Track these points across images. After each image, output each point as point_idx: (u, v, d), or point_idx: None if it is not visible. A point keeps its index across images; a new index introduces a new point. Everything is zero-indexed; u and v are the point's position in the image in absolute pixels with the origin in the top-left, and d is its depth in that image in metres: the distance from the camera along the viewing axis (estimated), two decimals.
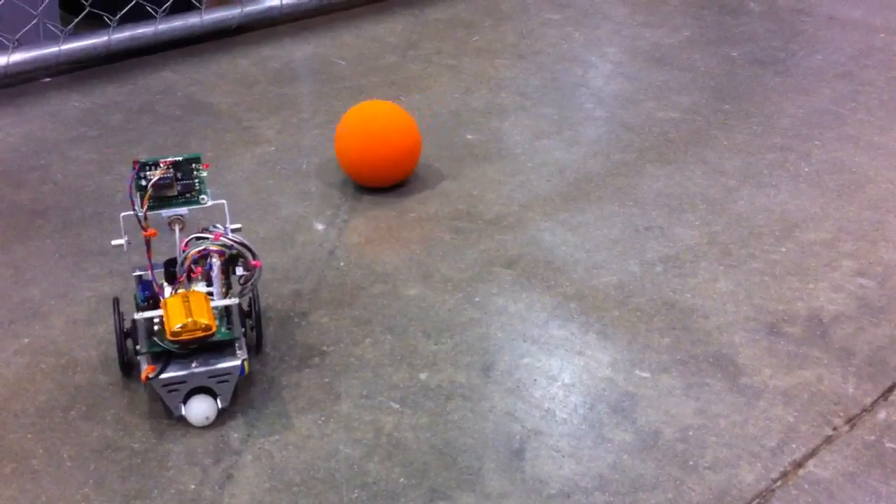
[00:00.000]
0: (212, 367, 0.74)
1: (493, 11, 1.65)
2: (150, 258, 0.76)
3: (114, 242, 0.77)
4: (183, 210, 0.78)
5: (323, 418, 0.77)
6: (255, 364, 0.82)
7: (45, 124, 1.23)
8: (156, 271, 0.78)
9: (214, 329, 0.72)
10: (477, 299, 0.91)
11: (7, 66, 1.31)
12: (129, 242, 0.77)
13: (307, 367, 0.82)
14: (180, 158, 0.77)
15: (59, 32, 1.35)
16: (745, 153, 1.18)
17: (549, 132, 1.23)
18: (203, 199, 0.78)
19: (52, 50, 1.34)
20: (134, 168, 0.76)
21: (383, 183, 1.09)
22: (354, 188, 1.10)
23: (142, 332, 0.74)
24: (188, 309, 0.72)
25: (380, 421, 0.77)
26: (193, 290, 0.74)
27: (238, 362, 0.75)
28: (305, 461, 0.73)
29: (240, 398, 0.78)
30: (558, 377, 0.81)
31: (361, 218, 1.05)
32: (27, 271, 0.94)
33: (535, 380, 0.81)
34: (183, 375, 0.74)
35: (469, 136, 1.22)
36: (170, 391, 0.74)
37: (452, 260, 0.97)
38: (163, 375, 0.73)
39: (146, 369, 0.73)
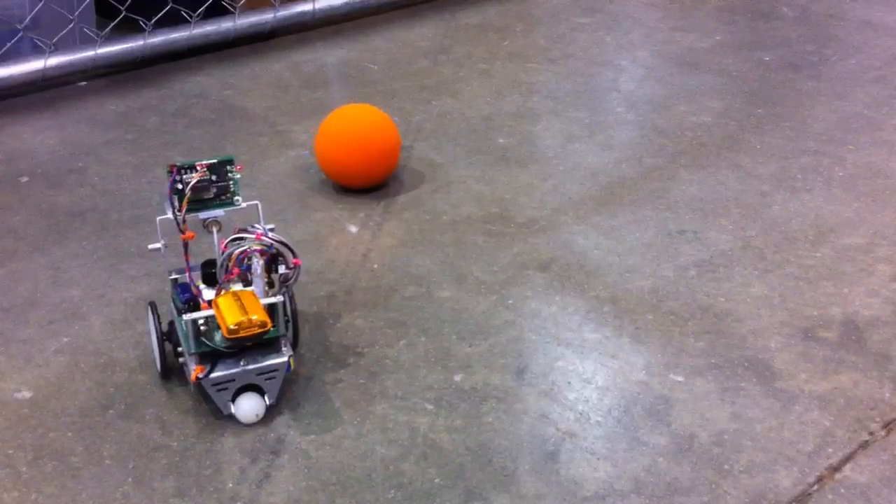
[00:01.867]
0: (260, 365, 0.75)
1: (525, 16, 1.66)
2: (187, 260, 0.77)
3: (151, 246, 0.78)
4: (219, 212, 0.79)
5: (358, 419, 0.77)
6: None
7: (82, 127, 1.25)
8: (193, 273, 0.78)
9: (270, 326, 0.73)
10: (510, 302, 0.91)
11: (44, 69, 1.33)
12: (165, 246, 0.78)
13: (342, 368, 0.83)
14: (215, 161, 0.78)
15: (95, 37, 1.37)
16: (779, 157, 1.18)
17: (582, 136, 1.23)
18: (237, 200, 0.79)
19: (88, 54, 1.36)
20: (171, 171, 0.77)
21: (363, 182, 1.09)
22: (389, 191, 1.10)
23: (190, 333, 0.74)
24: (242, 307, 0.73)
25: (415, 422, 0.77)
26: (242, 290, 0.75)
27: (285, 359, 0.76)
28: (341, 461, 0.73)
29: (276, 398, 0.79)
30: (592, 380, 0.81)
31: (394, 220, 1.05)
32: (66, 272, 0.96)
33: (569, 382, 0.81)
34: (232, 374, 0.75)
35: (501, 140, 1.22)
36: (219, 390, 0.75)
37: (486, 263, 0.98)
38: (213, 375, 0.74)
39: (195, 369, 0.74)
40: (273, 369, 0.76)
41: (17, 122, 1.25)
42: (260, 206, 0.81)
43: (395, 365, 0.83)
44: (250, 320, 0.72)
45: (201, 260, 0.80)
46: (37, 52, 1.34)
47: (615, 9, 1.68)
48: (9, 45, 1.32)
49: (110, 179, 1.12)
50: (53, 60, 1.33)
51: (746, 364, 0.83)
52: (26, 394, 0.80)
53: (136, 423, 0.77)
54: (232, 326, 0.71)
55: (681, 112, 1.30)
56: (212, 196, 0.78)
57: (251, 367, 0.75)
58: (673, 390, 0.80)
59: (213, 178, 0.78)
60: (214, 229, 0.79)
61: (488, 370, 0.83)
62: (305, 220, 1.05)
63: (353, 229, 1.04)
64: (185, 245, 0.76)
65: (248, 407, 0.76)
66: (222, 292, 0.75)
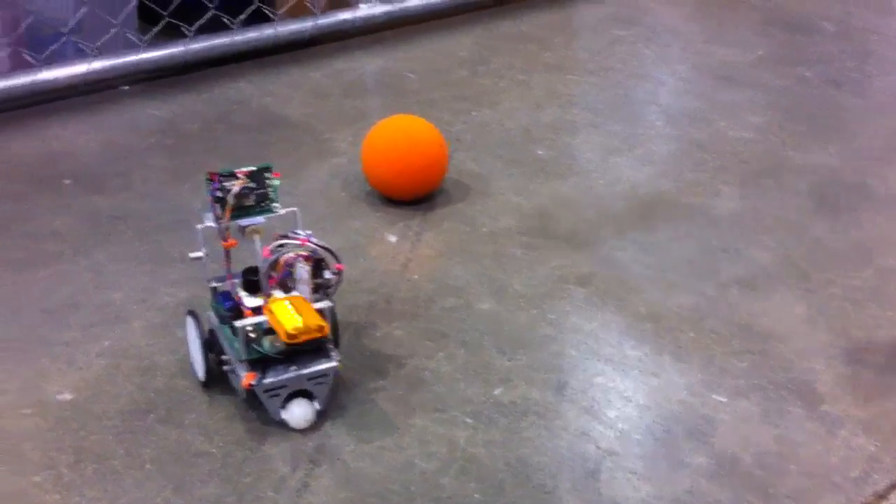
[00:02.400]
0: (311, 370, 0.75)
1: (563, 27, 1.65)
2: (229, 268, 0.77)
3: (192, 255, 0.78)
4: (260, 219, 0.79)
5: (397, 431, 0.77)
6: None
7: (124, 132, 1.26)
8: (234, 281, 0.78)
9: (328, 331, 0.73)
10: (551, 316, 0.91)
11: (87, 73, 1.34)
12: (206, 255, 0.78)
13: (382, 379, 0.83)
14: (254, 168, 0.78)
15: (138, 42, 1.38)
16: (821, 175, 1.16)
17: (621, 149, 1.23)
18: (276, 207, 0.79)
19: (131, 59, 1.37)
20: (213, 180, 0.77)
21: (409, 195, 1.09)
22: (426, 200, 1.10)
23: (242, 340, 0.75)
24: (297, 313, 0.73)
25: (454, 435, 0.77)
26: (292, 295, 0.75)
27: (334, 363, 0.76)
28: (380, 473, 0.73)
29: None
30: (633, 398, 0.81)
31: (433, 231, 1.05)
32: (108, 275, 0.96)
33: (609, 400, 0.81)
34: (284, 379, 0.75)
35: (540, 152, 1.22)
36: (271, 396, 0.75)
37: (525, 275, 0.97)
38: (265, 381, 0.74)
39: (247, 376, 0.74)
40: (323, 374, 0.76)
41: (61, 125, 1.26)
42: (298, 213, 0.81)
43: (434, 377, 0.83)
44: (308, 326, 0.71)
45: (240, 267, 0.80)
46: (80, 55, 1.35)
47: (654, 21, 1.67)
48: (53, 48, 1.33)
49: (152, 184, 1.13)
50: (97, 64, 1.34)
51: (790, 386, 0.82)
52: (68, 396, 0.80)
53: (177, 429, 0.77)
54: (291, 332, 0.71)
55: (721, 127, 1.29)
56: (252, 203, 0.78)
57: (303, 371, 0.75)
58: (715, 411, 0.79)
59: (253, 185, 0.78)
60: (256, 237, 0.78)
61: (528, 385, 0.82)
62: (344, 228, 1.05)
63: (392, 239, 1.04)
64: (227, 253, 0.76)
65: (300, 413, 0.76)
66: (271, 298, 0.75)
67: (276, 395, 0.75)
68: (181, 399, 0.80)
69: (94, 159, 1.18)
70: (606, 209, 1.09)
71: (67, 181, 1.13)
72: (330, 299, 0.78)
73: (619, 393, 0.81)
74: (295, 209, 0.81)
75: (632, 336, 0.88)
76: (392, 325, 0.90)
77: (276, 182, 0.79)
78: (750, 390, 0.81)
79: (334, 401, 0.79)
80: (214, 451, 0.75)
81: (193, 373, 0.82)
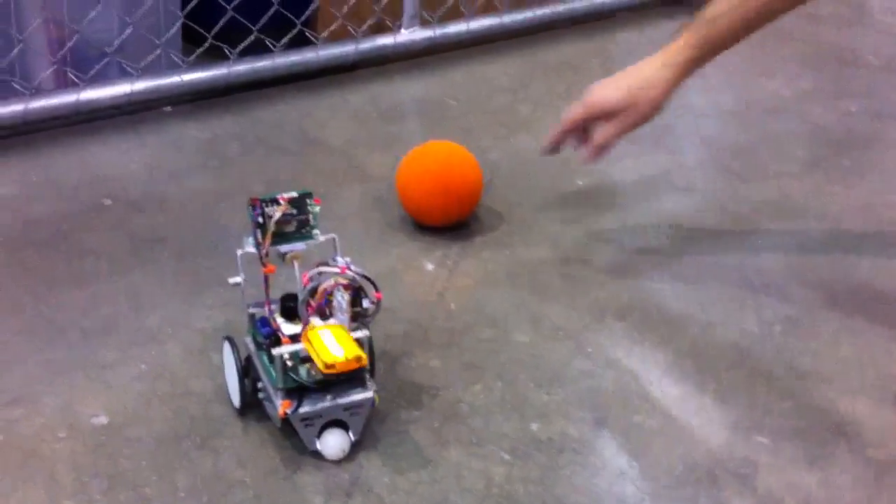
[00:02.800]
0: (347, 400, 0.75)
1: (602, 53, 1.64)
2: (268, 294, 0.77)
3: (231, 280, 0.78)
4: (300, 245, 0.79)
5: (433, 464, 0.76)
6: None
7: (165, 152, 1.26)
8: (272, 307, 0.78)
9: (366, 362, 0.72)
10: (589, 350, 0.90)
11: (131, 93, 1.35)
12: (245, 280, 0.78)
13: (417, 411, 0.82)
14: (296, 195, 0.78)
15: (180, 63, 1.39)
16: (867, 210, 1.14)
17: (662, 181, 1.21)
18: (316, 233, 0.79)
19: (173, 80, 1.38)
20: (255, 205, 0.77)
21: (442, 221, 1.08)
22: (464, 228, 1.09)
23: (279, 368, 0.74)
24: (334, 342, 0.72)
25: (490, 471, 0.76)
26: (332, 324, 0.74)
27: (370, 394, 0.76)
28: None
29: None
30: (673, 437, 0.79)
31: (471, 259, 1.04)
32: (146, 297, 0.96)
33: (648, 438, 0.79)
34: (320, 409, 0.74)
35: (580, 182, 1.21)
36: (307, 425, 0.75)
37: (563, 307, 0.96)
38: (301, 410, 0.74)
39: (283, 405, 0.74)
40: (360, 405, 0.75)
41: (103, 145, 1.27)
42: (337, 240, 0.80)
43: (470, 410, 0.82)
44: (347, 357, 0.71)
45: (278, 293, 0.79)
46: (124, 76, 1.36)
47: None
48: (97, 68, 1.34)
49: (191, 206, 1.13)
50: (140, 85, 1.35)
51: (835, 428, 0.80)
52: (103, 419, 0.80)
53: (211, 456, 0.76)
54: (329, 362, 0.70)
55: (764, 160, 1.27)
56: (292, 230, 0.78)
57: (339, 402, 0.75)
58: (758, 453, 0.77)
59: (294, 211, 0.78)
60: (296, 263, 0.78)
61: (565, 420, 0.81)
62: (382, 255, 1.04)
63: (430, 267, 1.03)
64: (266, 279, 0.76)
65: (335, 443, 0.75)
66: (309, 326, 0.75)
67: (312, 425, 0.75)
68: (216, 426, 0.79)
69: (135, 180, 1.19)
70: (646, 241, 1.08)
71: (108, 201, 1.14)
72: (367, 328, 0.77)
73: (658, 431, 0.80)
74: (334, 236, 0.80)
75: (672, 373, 0.87)
76: (428, 354, 0.89)
77: (317, 209, 0.79)
78: (794, 432, 0.80)
79: (369, 431, 0.79)
80: (248, 480, 0.74)
81: (229, 399, 0.81)
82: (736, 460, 0.77)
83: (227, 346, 0.80)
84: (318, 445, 0.75)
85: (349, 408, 0.75)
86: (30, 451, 0.76)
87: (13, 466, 0.75)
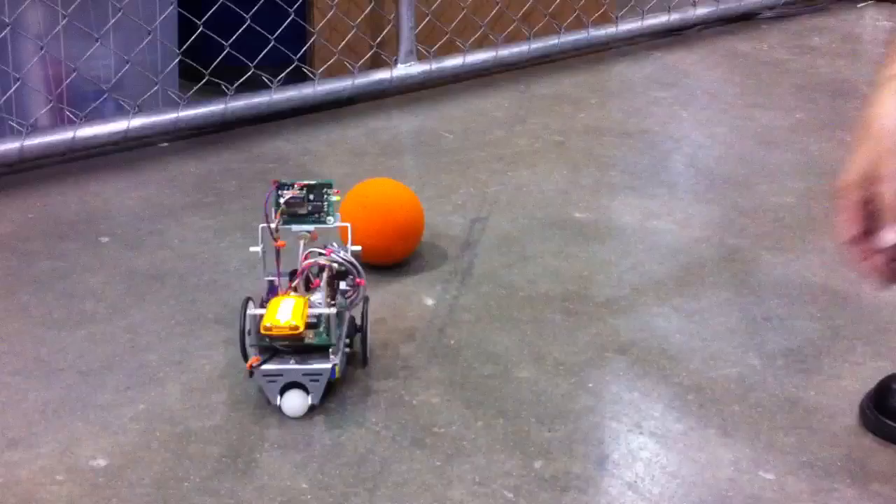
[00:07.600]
0: (307, 367, 0.83)
1: (600, 88, 1.65)
2: (278, 265, 0.86)
3: (252, 248, 0.88)
4: (309, 227, 0.89)
5: None
6: (366, 443, 0.81)
7: (163, 189, 1.26)
8: (282, 278, 0.87)
9: (301, 331, 0.80)
10: (590, 385, 0.89)
11: (127, 130, 1.35)
12: (264, 251, 0.87)
13: (418, 449, 0.81)
14: (314, 182, 0.89)
15: (178, 99, 1.39)
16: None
17: (660, 213, 1.21)
18: (329, 220, 0.89)
19: (170, 116, 1.38)
20: (273, 186, 0.88)
21: (387, 259, 1.07)
22: (465, 263, 1.09)
23: (253, 328, 0.83)
24: (287, 310, 0.81)
25: None
26: (301, 295, 0.84)
27: (329, 365, 0.83)
28: None
29: (352, 477, 0.77)
30: (678, 474, 0.78)
31: (471, 294, 1.04)
32: (144, 336, 0.96)
33: (653, 475, 0.78)
34: (280, 369, 0.83)
35: (578, 215, 1.21)
36: (269, 381, 0.83)
37: (564, 343, 0.95)
38: (264, 367, 0.82)
39: (251, 359, 0.83)
40: (317, 373, 0.83)
41: (99, 182, 1.27)
42: (350, 228, 0.89)
43: (472, 447, 0.81)
44: (286, 325, 0.79)
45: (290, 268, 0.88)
46: (120, 112, 1.37)
47: (691, 83, 1.67)
48: (94, 105, 1.35)
49: (189, 243, 1.13)
50: (137, 121, 1.35)
51: (840, 463, 0.79)
52: (101, 462, 0.79)
53: (211, 498, 0.76)
54: (266, 325, 0.79)
55: (762, 192, 1.27)
56: (305, 213, 0.89)
57: (297, 366, 0.83)
58: (763, 489, 0.77)
59: (310, 197, 0.89)
60: (301, 242, 0.89)
61: (569, 458, 0.80)
62: (381, 290, 1.04)
63: (430, 302, 1.02)
64: (278, 252, 0.86)
65: (293, 402, 0.83)
66: (284, 294, 0.84)
67: (274, 382, 0.83)
68: (216, 467, 0.79)
69: (132, 217, 1.19)
70: (646, 275, 1.08)
71: (105, 239, 1.14)
72: (346, 309, 0.88)
73: (662, 468, 0.79)
74: (347, 224, 0.90)
75: (675, 408, 0.86)
76: (430, 391, 0.88)
77: (335, 198, 0.89)
78: (798, 468, 0.79)
79: (371, 471, 0.78)
80: None
81: (230, 431, 0.81)
82: (741, 497, 0.76)
83: (242, 304, 0.86)
84: (280, 403, 0.83)
85: (308, 374, 0.83)
86: (28, 495, 0.75)
87: None
